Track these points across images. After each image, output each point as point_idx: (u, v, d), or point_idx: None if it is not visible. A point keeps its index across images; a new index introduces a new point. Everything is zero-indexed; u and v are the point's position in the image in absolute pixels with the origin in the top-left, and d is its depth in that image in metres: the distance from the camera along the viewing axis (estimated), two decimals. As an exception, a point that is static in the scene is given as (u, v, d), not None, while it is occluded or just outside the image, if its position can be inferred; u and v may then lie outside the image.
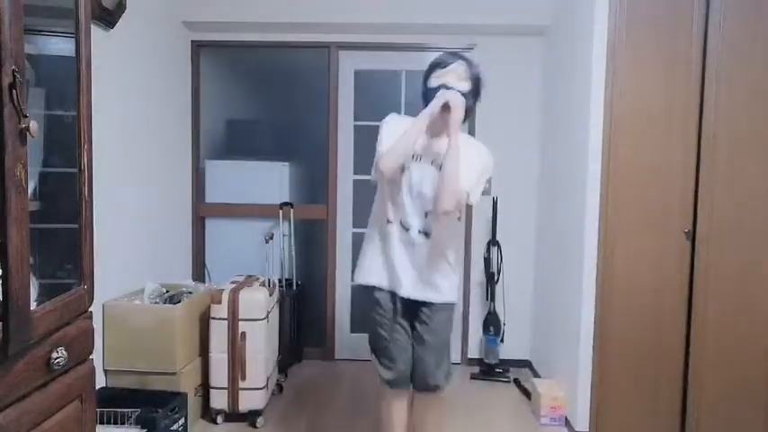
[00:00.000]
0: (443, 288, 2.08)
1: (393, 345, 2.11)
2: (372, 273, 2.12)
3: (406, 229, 2.04)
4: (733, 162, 2.54)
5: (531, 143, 3.64)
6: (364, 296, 2.18)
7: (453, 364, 3.65)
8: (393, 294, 2.09)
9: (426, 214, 2.02)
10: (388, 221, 2.06)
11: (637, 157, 2.59)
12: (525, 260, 3.67)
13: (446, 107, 1.89)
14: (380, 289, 2.11)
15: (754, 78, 2.51)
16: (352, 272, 3.70)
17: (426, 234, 2.03)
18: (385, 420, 2.24)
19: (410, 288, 2.06)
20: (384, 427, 2.24)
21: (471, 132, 3.62)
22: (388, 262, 2.08)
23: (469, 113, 2.00)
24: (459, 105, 1.89)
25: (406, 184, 2.00)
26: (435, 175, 1.96)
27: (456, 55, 2.02)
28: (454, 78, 1.95)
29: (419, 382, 2.13)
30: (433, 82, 1.98)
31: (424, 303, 2.08)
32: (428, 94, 1.98)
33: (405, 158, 1.95)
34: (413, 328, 2.13)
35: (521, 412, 3.06)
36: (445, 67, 1.97)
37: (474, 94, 2.01)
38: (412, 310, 2.11)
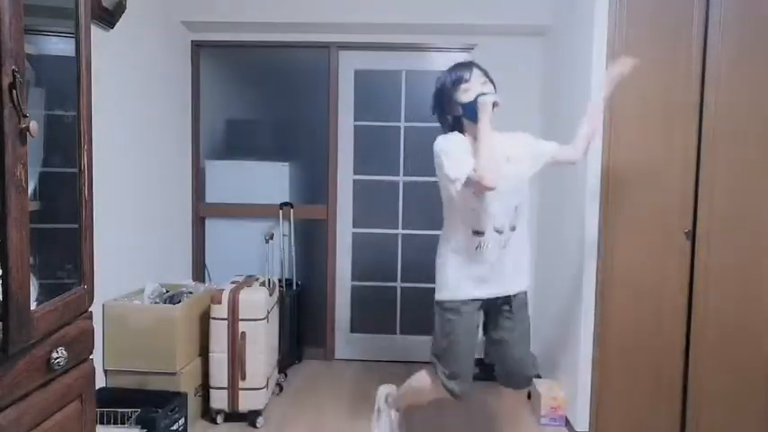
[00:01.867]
0: (528, 272, 2.27)
1: (467, 361, 2.23)
2: (461, 287, 2.16)
3: (500, 232, 2.10)
4: (733, 162, 2.54)
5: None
6: (447, 311, 2.19)
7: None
8: (478, 303, 2.17)
9: (516, 208, 2.12)
10: (477, 233, 2.09)
11: (637, 157, 2.59)
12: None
13: (496, 106, 2.02)
14: (467, 302, 2.16)
15: (754, 78, 2.51)
16: (352, 272, 3.77)
17: (514, 228, 2.13)
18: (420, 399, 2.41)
19: (507, 284, 2.16)
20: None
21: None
22: (481, 271, 2.13)
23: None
24: (498, 101, 2.04)
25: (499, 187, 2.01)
26: (512, 169, 2.09)
27: (468, 65, 2.13)
28: (480, 85, 2.08)
29: (513, 379, 2.26)
30: (465, 96, 2.08)
31: (507, 298, 2.17)
32: (468, 108, 2.07)
33: (499, 165, 2.00)
34: (494, 328, 2.26)
35: (521, 412, 3.06)
36: (468, 80, 2.08)
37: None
38: (493, 311, 2.22)
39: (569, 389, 2.84)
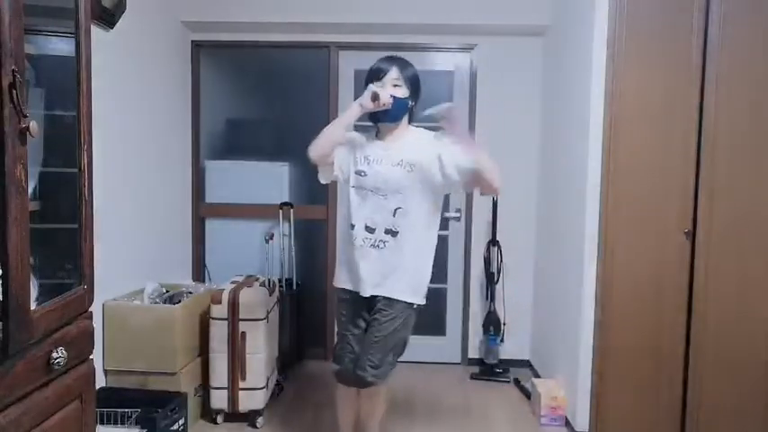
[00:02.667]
0: (403, 286, 2.12)
1: (348, 347, 2.19)
2: (340, 278, 2.21)
3: (370, 230, 2.08)
4: (733, 162, 2.54)
5: (531, 143, 3.64)
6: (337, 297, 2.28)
7: (453, 363, 3.71)
8: (355, 294, 2.15)
9: (395, 213, 2.07)
10: (351, 225, 2.12)
11: (637, 157, 2.59)
12: (525, 260, 3.67)
13: (375, 96, 2.04)
14: (344, 290, 2.20)
15: (754, 78, 2.51)
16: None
17: (394, 234, 2.08)
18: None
19: (371, 287, 2.11)
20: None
21: (472, 132, 3.63)
22: (353, 266, 2.13)
23: (411, 113, 2.18)
24: (386, 98, 2.05)
25: (371, 185, 2.08)
26: (400, 172, 2.07)
27: (391, 61, 2.15)
28: (390, 87, 2.09)
29: (350, 373, 2.17)
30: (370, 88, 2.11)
31: (380, 299, 2.12)
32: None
33: (333, 143, 2.12)
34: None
35: (521, 412, 3.06)
36: (381, 78, 2.10)
37: (414, 95, 2.15)
38: (371, 307, 2.16)
39: (569, 389, 2.84)
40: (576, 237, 2.76)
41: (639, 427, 2.66)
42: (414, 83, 2.15)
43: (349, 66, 3.69)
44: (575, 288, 2.76)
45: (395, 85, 2.10)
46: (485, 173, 2.02)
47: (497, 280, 3.59)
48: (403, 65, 2.14)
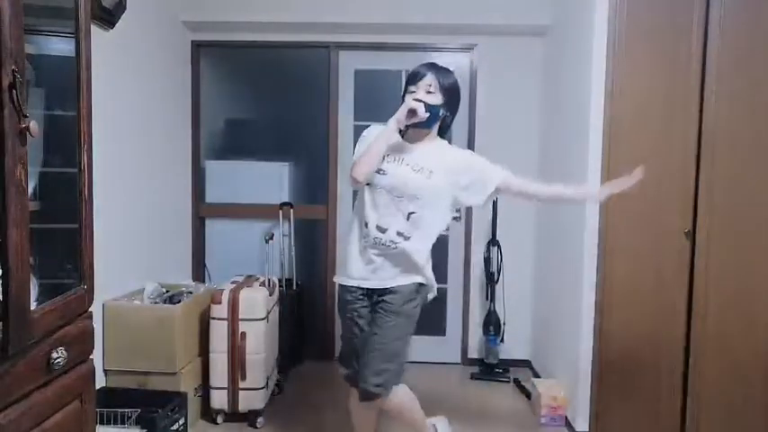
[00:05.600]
0: (405, 276, 2.09)
1: (352, 350, 2.15)
2: (345, 274, 2.16)
3: (383, 230, 2.06)
4: (733, 162, 2.53)
5: (531, 143, 3.64)
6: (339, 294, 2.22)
7: (453, 363, 3.71)
8: (360, 294, 2.13)
9: (408, 217, 2.05)
10: (366, 224, 2.08)
11: (637, 156, 2.58)
12: (525, 260, 3.67)
13: (412, 113, 1.99)
14: (349, 289, 2.14)
15: (754, 78, 2.51)
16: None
17: (405, 237, 2.05)
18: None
19: (378, 281, 2.09)
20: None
21: (471, 132, 3.63)
22: (360, 262, 2.11)
23: (444, 123, 2.14)
24: (422, 112, 1.99)
25: (388, 185, 2.05)
26: (420, 179, 2.04)
27: (428, 68, 2.09)
28: (424, 93, 2.04)
29: (360, 384, 2.08)
30: (407, 97, 2.07)
31: (385, 295, 2.08)
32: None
33: (375, 164, 2.03)
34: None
35: (521, 412, 3.06)
36: (416, 83, 2.06)
37: (449, 104, 2.10)
38: (374, 304, 2.13)
39: (569, 389, 2.84)
40: (576, 237, 2.76)
41: (639, 427, 2.66)
42: (450, 93, 2.09)
43: (349, 66, 3.69)
44: (575, 288, 2.76)
45: (428, 92, 2.05)
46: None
47: (497, 280, 3.59)
48: (441, 73, 2.08)
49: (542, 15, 3.40)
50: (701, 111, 2.54)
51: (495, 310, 3.57)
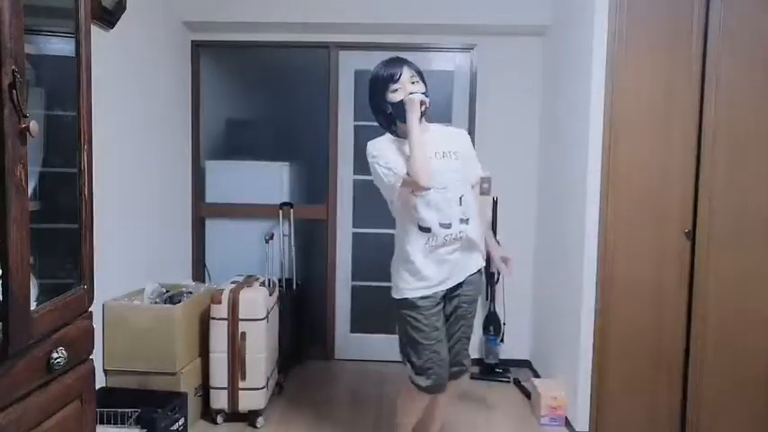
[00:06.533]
0: (479, 255, 2.22)
1: (436, 356, 2.13)
2: (414, 287, 2.12)
3: (447, 227, 2.08)
4: (733, 162, 2.54)
5: (531, 143, 3.64)
6: (407, 308, 2.15)
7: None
8: (439, 297, 2.14)
9: (461, 201, 2.10)
10: (426, 229, 2.08)
11: (637, 157, 2.59)
12: (525, 260, 3.67)
13: (423, 105, 2.05)
14: (427, 297, 2.12)
15: (754, 78, 2.51)
16: (352, 272, 3.76)
17: (466, 221, 2.11)
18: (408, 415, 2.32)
19: (461, 273, 2.15)
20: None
21: (471, 132, 3.62)
22: (435, 266, 2.10)
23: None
24: (426, 100, 2.07)
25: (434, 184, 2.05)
26: (448, 162, 2.10)
27: (398, 62, 2.14)
28: (410, 85, 2.09)
29: (454, 369, 2.20)
30: (395, 96, 2.09)
31: (461, 286, 2.16)
32: (397, 108, 2.09)
33: (430, 164, 2.03)
34: (448, 317, 2.20)
35: (521, 412, 3.06)
36: (398, 79, 2.09)
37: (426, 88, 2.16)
38: (449, 300, 2.19)
39: (569, 389, 2.84)
40: (576, 236, 2.76)
41: (639, 427, 2.66)
42: (423, 76, 2.16)
43: (349, 66, 3.69)
44: (575, 288, 2.76)
45: (413, 83, 2.10)
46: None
47: (497, 280, 3.59)
48: (409, 62, 2.15)
49: (542, 15, 3.40)
50: (701, 111, 2.54)
51: (495, 311, 3.57)
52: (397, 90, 2.08)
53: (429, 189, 2.01)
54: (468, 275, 2.17)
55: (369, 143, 2.19)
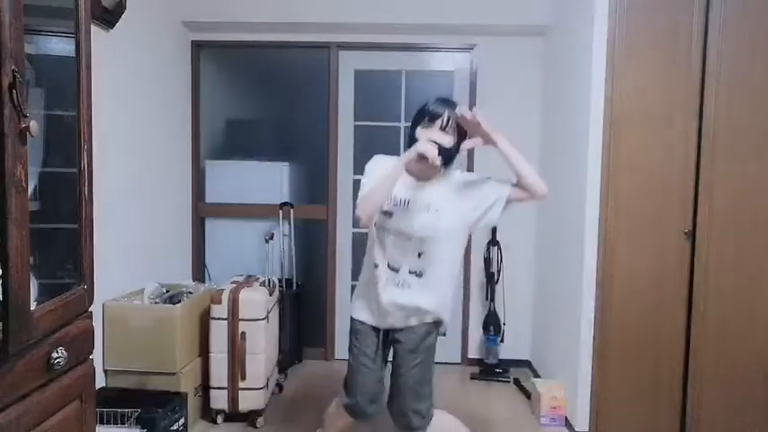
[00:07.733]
0: (427, 314, 2.05)
1: (361, 382, 2.06)
2: (358, 310, 2.12)
3: (395, 270, 2.01)
4: (733, 162, 2.54)
5: (531, 143, 3.64)
6: (351, 326, 2.15)
7: (453, 363, 3.71)
8: (376, 330, 2.08)
9: (419, 255, 1.99)
10: (375, 265, 2.03)
11: (637, 157, 2.59)
12: (525, 260, 3.67)
13: (422, 158, 1.84)
14: (364, 323, 2.10)
15: (754, 78, 2.51)
16: (352, 272, 3.76)
17: (418, 274, 2.00)
18: None
19: (394, 321, 2.04)
20: None
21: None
22: (374, 303, 2.05)
23: (453, 157, 2.00)
24: (434, 158, 1.84)
25: (394, 228, 1.98)
26: (428, 219, 1.95)
27: (444, 108, 1.94)
28: (438, 131, 1.92)
29: (401, 418, 2.07)
30: (421, 133, 1.93)
31: (401, 335, 2.06)
32: (413, 143, 1.93)
33: (381, 204, 1.94)
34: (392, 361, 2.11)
35: (521, 412, 3.06)
36: (430, 124, 1.93)
37: (459, 141, 1.96)
38: (389, 343, 2.10)
39: (569, 389, 2.84)
40: (576, 237, 2.76)
41: (639, 427, 2.66)
42: (461, 129, 1.96)
43: (349, 66, 3.69)
44: (574, 288, 2.76)
45: (444, 130, 1.93)
46: (525, 178, 1.97)
47: (497, 280, 3.59)
48: (453, 108, 1.94)
49: (542, 15, 3.40)
50: (701, 111, 2.54)
51: (495, 311, 3.57)
52: (426, 128, 1.94)
53: (363, 223, 1.93)
54: (407, 325, 2.05)
55: (375, 156, 2.11)
